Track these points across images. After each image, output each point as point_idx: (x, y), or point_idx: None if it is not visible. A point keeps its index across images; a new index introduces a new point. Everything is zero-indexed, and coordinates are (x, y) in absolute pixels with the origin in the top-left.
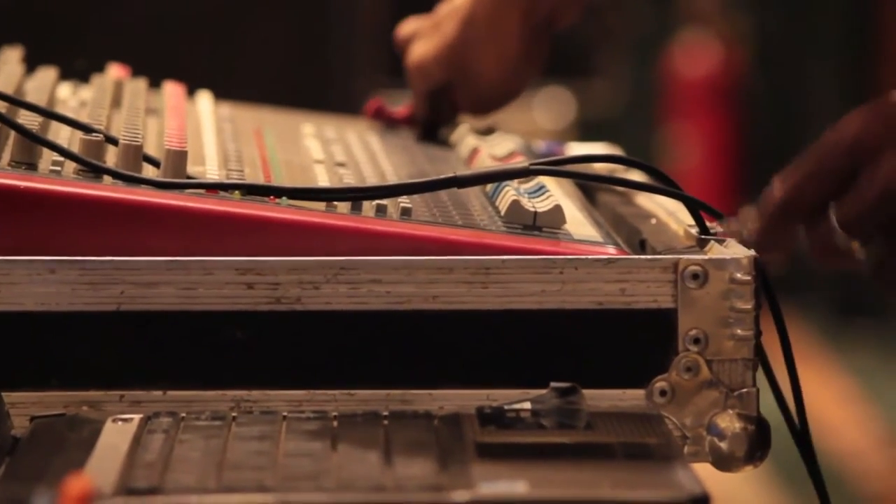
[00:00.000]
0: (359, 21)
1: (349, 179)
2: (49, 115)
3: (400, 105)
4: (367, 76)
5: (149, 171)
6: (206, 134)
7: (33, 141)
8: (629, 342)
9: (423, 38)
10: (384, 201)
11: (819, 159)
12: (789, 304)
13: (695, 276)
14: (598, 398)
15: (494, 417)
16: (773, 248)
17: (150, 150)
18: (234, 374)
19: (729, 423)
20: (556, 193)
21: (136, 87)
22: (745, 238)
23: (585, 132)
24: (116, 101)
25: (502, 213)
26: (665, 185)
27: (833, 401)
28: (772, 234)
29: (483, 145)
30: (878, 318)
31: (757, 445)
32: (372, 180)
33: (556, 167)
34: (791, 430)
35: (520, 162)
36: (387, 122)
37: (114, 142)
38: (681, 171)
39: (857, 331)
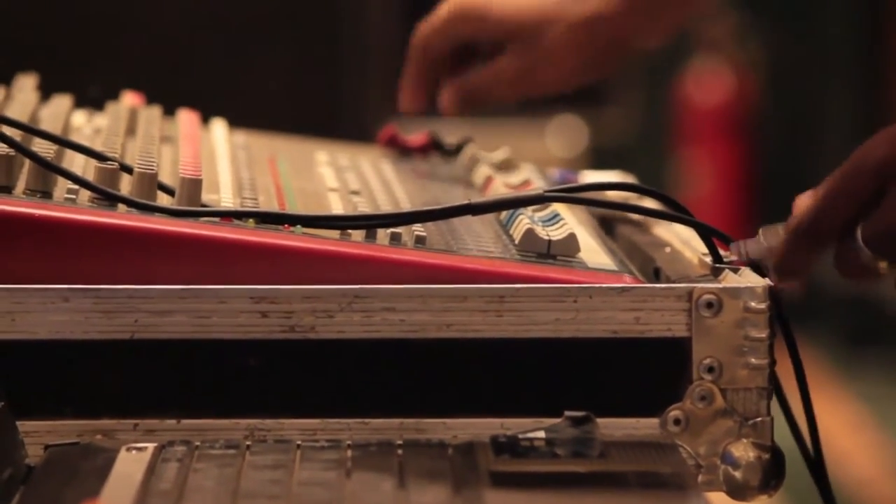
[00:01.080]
0: (370, 48)
1: (363, 207)
2: (64, 143)
3: (413, 133)
4: (379, 103)
5: (163, 200)
6: (221, 162)
7: (48, 169)
8: (643, 371)
9: None
10: (398, 229)
11: (846, 179)
12: (800, 332)
13: (709, 305)
14: (613, 427)
15: (508, 446)
16: (798, 270)
17: (165, 178)
18: (248, 402)
19: (743, 451)
20: (571, 222)
21: (151, 115)
22: (765, 260)
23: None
24: (131, 129)
25: (517, 241)
26: (678, 212)
27: (844, 428)
28: (797, 253)
29: (497, 174)
30: (889, 346)
31: (771, 474)
32: (386, 208)
33: (571, 194)
34: (805, 459)
35: (534, 189)
36: (400, 150)
37: (128, 170)
38: (693, 198)
39: (868, 358)
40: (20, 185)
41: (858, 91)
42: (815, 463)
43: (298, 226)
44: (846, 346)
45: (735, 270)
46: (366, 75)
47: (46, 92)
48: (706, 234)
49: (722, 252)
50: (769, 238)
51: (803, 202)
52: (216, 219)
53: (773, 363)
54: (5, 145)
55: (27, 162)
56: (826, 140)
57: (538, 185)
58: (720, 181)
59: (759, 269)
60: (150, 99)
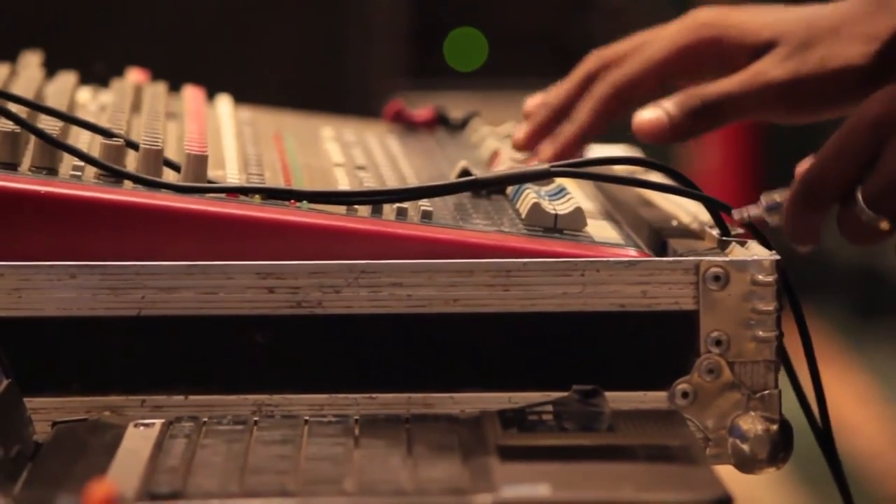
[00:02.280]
0: (375, 23)
1: (369, 183)
2: (69, 119)
3: (419, 108)
4: (384, 78)
5: (169, 176)
6: (226, 138)
7: (54, 146)
8: (651, 344)
9: None
10: (404, 204)
11: (843, 139)
12: (808, 304)
13: (716, 278)
14: (620, 400)
15: (516, 420)
16: (806, 234)
17: (171, 154)
18: (255, 378)
19: (751, 424)
20: (577, 196)
21: (156, 92)
22: (767, 224)
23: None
24: (136, 106)
25: (523, 215)
26: (685, 186)
27: (852, 400)
28: (801, 216)
29: (503, 147)
30: None
31: (779, 447)
32: (392, 183)
33: (577, 169)
34: (814, 431)
35: (540, 164)
36: (406, 125)
37: (134, 146)
38: (700, 172)
39: (877, 331)
40: (26, 162)
41: None
42: (823, 434)
43: (304, 201)
44: (854, 319)
45: (742, 243)
46: (371, 50)
47: (51, 69)
48: (713, 207)
49: (729, 225)
50: (769, 201)
51: (804, 166)
52: (222, 195)
53: (780, 336)
54: (10, 122)
55: (32, 139)
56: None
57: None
58: (726, 154)
59: (762, 236)
60: (156, 75)
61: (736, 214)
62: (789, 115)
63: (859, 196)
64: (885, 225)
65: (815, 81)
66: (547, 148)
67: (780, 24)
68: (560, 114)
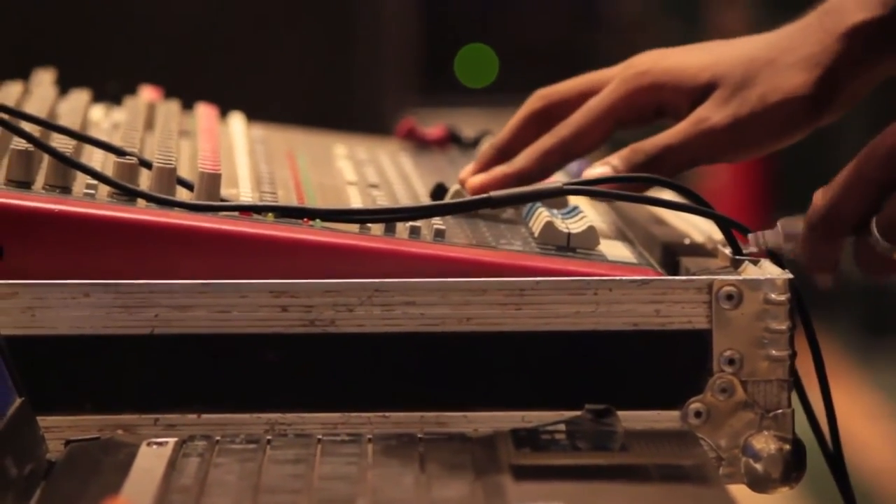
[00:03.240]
0: (386, 39)
1: (382, 201)
2: (82, 138)
3: (431, 126)
4: (395, 94)
5: (182, 194)
6: (239, 156)
7: (67, 164)
8: (664, 363)
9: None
10: (417, 223)
11: (858, 170)
12: (818, 321)
13: (729, 297)
14: (634, 419)
15: (529, 439)
16: (822, 263)
17: (184, 172)
18: (268, 396)
19: (764, 444)
20: (590, 214)
21: (169, 110)
22: (783, 250)
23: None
24: (149, 124)
25: (536, 234)
26: (698, 204)
27: (862, 418)
28: (817, 247)
29: None
30: None
31: (793, 466)
32: (405, 201)
33: (590, 187)
34: (824, 454)
35: (553, 182)
36: (418, 143)
37: (147, 165)
38: (710, 189)
39: (888, 348)
40: (39, 181)
41: None
42: (834, 457)
43: (318, 220)
44: (865, 336)
45: (755, 262)
46: (382, 66)
47: (64, 87)
48: (726, 226)
49: (741, 244)
50: (787, 228)
51: (820, 195)
52: (235, 213)
53: (793, 355)
54: (24, 141)
55: (46, 157)
56: (842, 127)
57: (557, 178)
58: (736, 171)
59: (777, 259)
60: (169, 93)
61: (752, 239)
62: (738, 156)
63: (874, 227)
64: None
65: (758, 119)
66: (476, 179)
67: (719, 65)
68: (503, 154)
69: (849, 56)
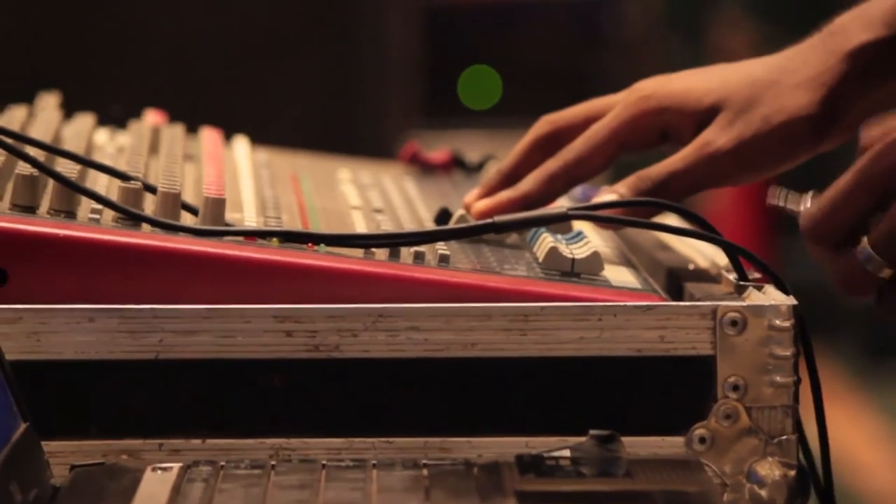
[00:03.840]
0: (389, 61)
1: (386, 226)
2: (87, 162)
3: (435, 150)
4: (399, 116)
5: (187, 219)
6: (244, 180)
7: (72, 189)
8: (668, 389)
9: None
10: (422, 248)
11: (854, 184)
12: (819, 343)
13: (733, 323)
14: (638, 446)
15: (534, 465)
16: (819, 262)
17: (189, 197)
18: (272, 422)
19: (769, 470)
20: (594, 239)
21: (174, 134)
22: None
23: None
24: (154, 148)
25: (540, 259)
26: (703, 229)
27: (864, 441)
28: (812, 250)
29: None
30: None
31: (797, 493)
32: (409, 226)
33: (594, 213)
34: (814, 482)
35: (558, 207)
36: (422, 167)
37: (152, 189)
38: (712, 211)
39: (889, 371)
40: (44, 206)
41: None
42: (825, 493)
43: (322, 244)
44: (866, 358)
45: (759, 288)
46: (386, 88)
47: (69, 111)
48: (733, 252)
49: (746, 270)
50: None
51: (812, 205)
52: (240, 238)
53: (797, 381)
54: (29, 165)
55: (51, 182)
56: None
57: (561, 203)
58: (739, 194)
59: (778, 279)
60: (173, 117)
61: (773, 192)
62: (744, 178)
63: (866, 242)
64: (888, 272)
65: (762, 141)
66: (480, 203)
67: (722, 88)
68: (509, 179)
69: (853, 77)
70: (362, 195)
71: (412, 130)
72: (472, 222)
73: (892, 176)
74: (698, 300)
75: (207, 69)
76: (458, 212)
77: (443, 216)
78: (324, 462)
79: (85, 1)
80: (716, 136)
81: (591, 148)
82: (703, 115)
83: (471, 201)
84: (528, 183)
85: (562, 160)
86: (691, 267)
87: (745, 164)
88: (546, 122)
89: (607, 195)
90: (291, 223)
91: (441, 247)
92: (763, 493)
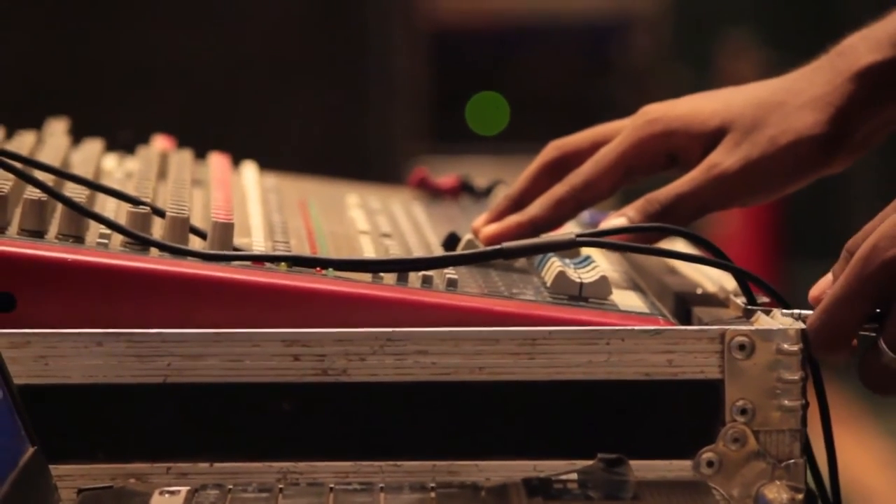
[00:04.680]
0: (398, 87)
1: (395, 250)
2: (95, 187)
3: (443, 176)
4: (407, 142)
5: (195, 244)
6: (252, 205)
7: (80, 213)
8: (676, 413)
9: None
10: (430, 272)
11: (854, 283)
12: (827, 367)
13: (741, 347)
14: (646, 469)
15: (541, 488)
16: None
17: (197, 221)
18: (280, 445)
19: (777, 494)
20: (602, 264)
21: (182, 159)
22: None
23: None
24: (162, 173)
25: (548, 283)
26: (711, 253)
27: (872, 465)
28: (823, 355)
29: None
30: None
31: None
32: (417, 251)
33: (602, 238)
34: None
35: (566, 233)
36: (431, 193)
37: (160, 214)
38: (721, 235)
39: None
40: (53, 230)
41: None
42: None
43: (330, 269)
44: None
45: (767, 312)
46: (394, 114)
47: (77, 136)
48: (743, 279)
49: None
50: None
51: (817, 291)
52: (248, 262)
53: (805, 405)
54: (38, 190)
55: (59, 206)
56: (853, 176)
57: (570, 228)
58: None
59: (785, 302)
60: (181, 143)
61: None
62: (751, 200)
63: (882, 343)
64: None
65: (769, 162)
66: (489, 228)
67: (729, 110)
68: (518, 204)
69: (860, 97)
70: (370, 220)
71: (420, 156)
72: (481, 248)
73: (885, 277)
74: (706, 324)
75: (216, 95)
76: (467, 236)
77: (451, 241)
78: (332, 485)
79: (93, 29)
80: (723, 158)
81: (599, 172)
82: (710, 138)
83: (479, 226)
84: (535, 207)
85: (569, 185)
86: (699, 291)
87: (753, 186)
88: (554, 148)
89: (615, 219)
90: (300, 248)
91: (449, 271)
92: None
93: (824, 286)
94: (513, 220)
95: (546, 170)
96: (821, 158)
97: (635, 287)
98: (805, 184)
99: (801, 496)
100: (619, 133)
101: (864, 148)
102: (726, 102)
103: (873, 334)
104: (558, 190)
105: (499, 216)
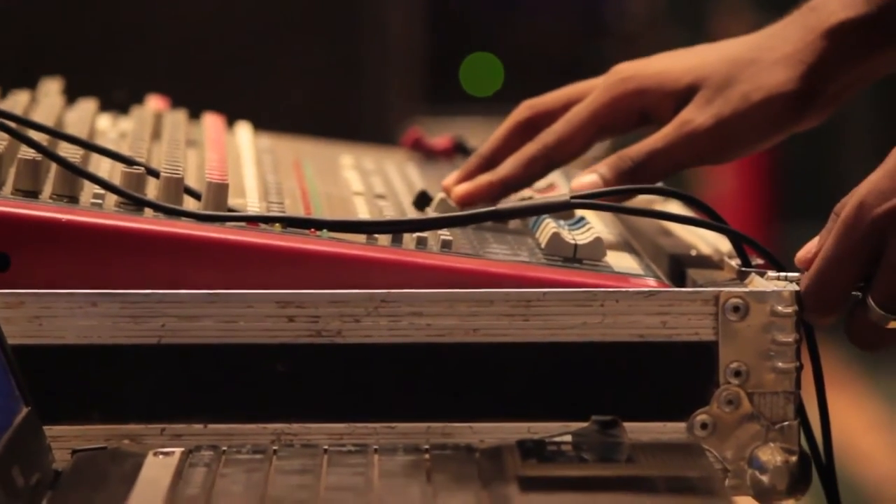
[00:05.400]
0: (392, 48)
1: (389, 211)
2: (90, 147)
3: (437, 136)
4: (401, 103)
5: (190, 204)
6: (246, 166)
7: (75, 173)
8: (670, 375)
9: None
10: (424, 234)
11: (841, 245)
12: (822, 329)
13: (736, 309)
14: (640, 431)
15: (536, 451)
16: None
17: (191, 182)
18: (274, 407)
19: (770, 456)
20: (597, 225)
21: (176, 119)
22: None
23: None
24: (156, 133)
25: (543, 245)
26: (706, 215)
27: (865, 427)
28: (814, 319)
29: None
30: None
31: (798, 478)
32: (411, 212)
33: (597, 200)
34: (817, 466)
35: (560, 195)
36: (425, 153)
37: (155, 174)
38: (715, 196)
39: (891, 357)
40: (47, 190)
41: (879, 83)
42: (826, 470)
43: (325, 230)
44: None
45: (761, 274)
46: (388, 75)
47: (71, 96)
48: (738, 241)
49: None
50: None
51: (804, 253)
52: (243, 223)
53: (799, 367)
54: (32, 149)
55: (53, 166)
56: (847, 131)
57: (564, 191)
58: (741, 178)
59: (779, 265)
60: (176, 103)
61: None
62: (723, 157)
63: (870, 300)
64: (894, 324)
65: (741, 118)
66: (461, 187)
67: (701, 67)
68: (489, 163)
69: (832, 53)
70: (365, 181)
71: (414, 117)
72: (475, 209)
73: (873, 235)
74: (701, 286)
75: (210, 55)
76: (439, 195)
77: (422, 199)
78: (325, 447)
79: None
80: (695, 115)
81: (571, 130)
82: (683, 95)
83: (450, 184)
84: (506, 166)
85: (541, 143)
86: (693, 253)
87: (725, 142)
88: (526, 107)
89: (587, 176)
90: (294, 209)
91: (444, 233)
92: (764, 478)
93: (811, 249)
94: (484, 178)
95: (518, 129)
96: (793, 115)
97: (630, 249)
98: (777, 140)
99: (794, 458)
100: (591, 92)
101: (835, 104)
102: (699, 59)
103: (859, 294)
104: (530, 148)
105: (469, 175)
